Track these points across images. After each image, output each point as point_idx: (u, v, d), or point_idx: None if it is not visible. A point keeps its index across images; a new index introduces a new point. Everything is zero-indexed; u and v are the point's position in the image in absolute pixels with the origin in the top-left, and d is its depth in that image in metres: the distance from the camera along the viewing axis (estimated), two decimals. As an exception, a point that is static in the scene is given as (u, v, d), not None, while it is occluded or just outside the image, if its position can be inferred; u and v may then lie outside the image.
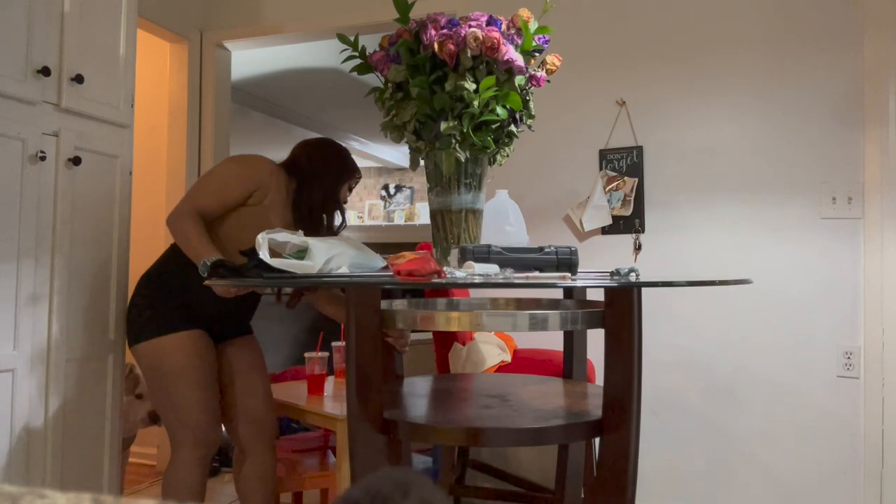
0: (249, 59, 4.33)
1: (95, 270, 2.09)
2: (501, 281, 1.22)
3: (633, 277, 1.31)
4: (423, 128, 1.56)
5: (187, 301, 1.94)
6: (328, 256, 1.38)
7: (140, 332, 1.93)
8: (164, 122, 3.47)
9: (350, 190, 2.17)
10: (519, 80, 1.58)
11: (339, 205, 2.13)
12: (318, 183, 2.06)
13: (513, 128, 1.62)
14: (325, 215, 2.08)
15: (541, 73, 1.64)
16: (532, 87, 1.65)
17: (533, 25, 1.60)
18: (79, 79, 1.99)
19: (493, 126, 1.57)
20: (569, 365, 1.83)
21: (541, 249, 1.40)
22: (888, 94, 2.41)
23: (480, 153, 1.59)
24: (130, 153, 2.24)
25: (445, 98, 1.51)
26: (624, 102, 2.79)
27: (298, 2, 3.34)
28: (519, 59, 1.54)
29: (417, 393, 1.65)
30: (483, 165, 1.63)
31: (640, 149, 2.76)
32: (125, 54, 2.22)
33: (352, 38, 1.64)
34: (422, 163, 1.67)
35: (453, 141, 1.53)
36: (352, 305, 1.31)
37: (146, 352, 1.93)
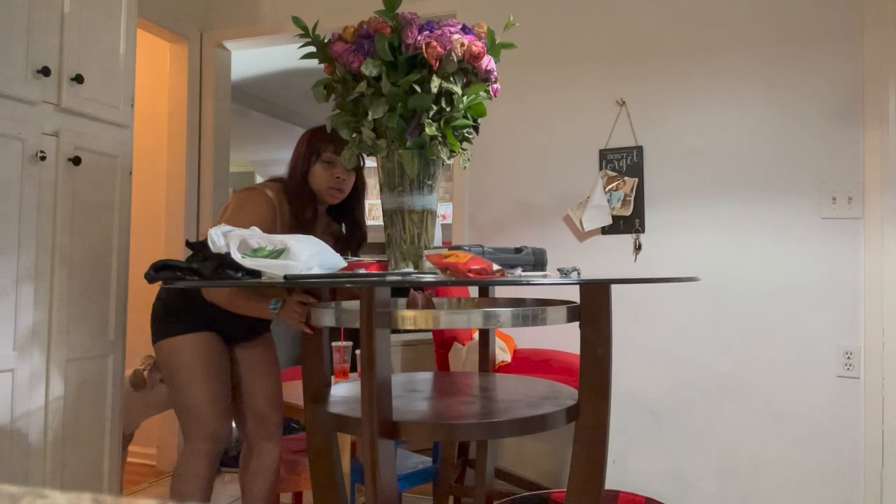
0: (249, 59, 4.33)
1: (95, 270, 2.09)
2: (546, 282, 1.31)
3: (574, 276, 1.42)
4: (392, 126, 1.54)
5: (198, 305, 1.97)
6: (308, 255, 1.32)
7: (158, 332, 2.00)
8: (164, 122, 3.47)
9: (349, 170, 1.97)
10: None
11: (312, 191, 1.96)
12: (293, 179, 1.96)
13: (468, 134, 1.66)
14: (313, 211, 1.96)
15: (496, 85, 1.67)
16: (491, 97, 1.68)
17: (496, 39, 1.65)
18: (79, 79, 1.99)
19: (464, 130, 1.62)
20: (484, 361, 2.00)
21: (519, 251, 1.55)
22: (888, 94, 2.41)
23: (451, 156, 1.62)
24: (130, 153, 2.25)
25: (427, 99, 1.51)
26: (624, 102, 2.79)
27: (298, 2, 3.34)
28: (496, 71, 1.61)
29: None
30: (440, 168, 1.66)
31: (640, 149, 2.76)
32: (125, 54, 2.22)
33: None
34: (361, 161, 1.67)
35: (437, 142, 1.54)
36: (371, 308, 1.28)
37: (162, 350, 2.00)
